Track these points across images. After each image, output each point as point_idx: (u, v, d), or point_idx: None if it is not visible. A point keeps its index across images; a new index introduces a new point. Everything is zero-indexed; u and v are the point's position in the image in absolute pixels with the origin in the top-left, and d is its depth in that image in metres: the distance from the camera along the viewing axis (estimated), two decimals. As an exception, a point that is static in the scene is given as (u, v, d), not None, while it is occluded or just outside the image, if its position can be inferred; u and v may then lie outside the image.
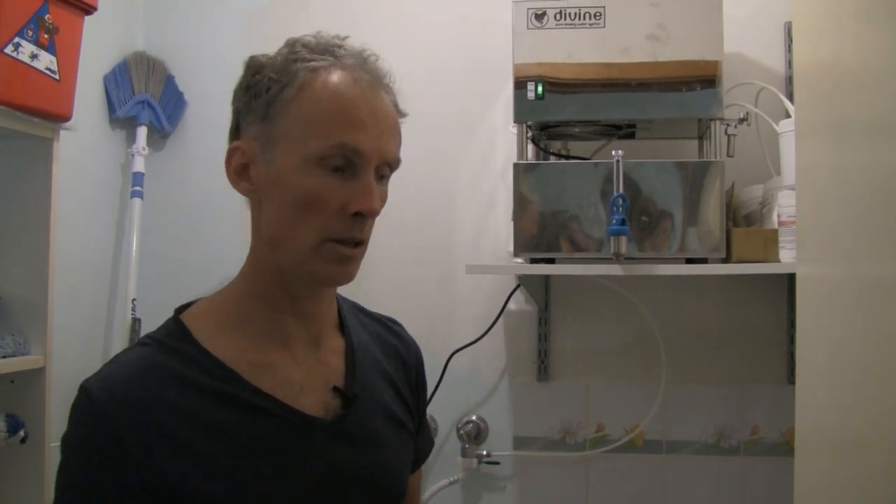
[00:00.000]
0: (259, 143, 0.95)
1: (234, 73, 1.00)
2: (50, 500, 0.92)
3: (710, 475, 2.08)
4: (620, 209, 1.62)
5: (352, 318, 1.12)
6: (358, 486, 0.99)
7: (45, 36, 1.61)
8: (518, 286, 2.11)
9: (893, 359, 0.93)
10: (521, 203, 1.77)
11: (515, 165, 1.78)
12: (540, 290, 2.12)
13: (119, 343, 2.14)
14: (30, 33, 1.57)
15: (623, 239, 1.61)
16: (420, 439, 1.19)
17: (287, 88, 0.93)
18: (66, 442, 0.89)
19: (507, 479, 2.15)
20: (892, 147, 0.95)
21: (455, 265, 2.17)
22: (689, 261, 1.75)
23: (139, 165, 2.21)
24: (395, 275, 2.18)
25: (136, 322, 2.14)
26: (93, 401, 0.87)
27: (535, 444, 2.14)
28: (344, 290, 1.09)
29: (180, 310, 1.00)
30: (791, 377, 2.02)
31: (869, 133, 1.04)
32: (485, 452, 2.12)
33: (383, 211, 0.99)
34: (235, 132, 0.99)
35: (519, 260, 1.83)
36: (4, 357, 1.61)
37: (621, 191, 1.63)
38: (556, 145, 2.01)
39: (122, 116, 2.20)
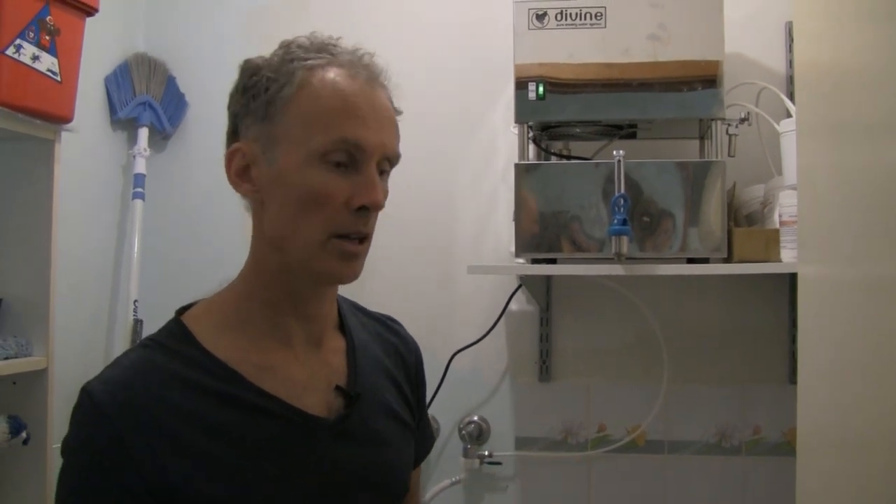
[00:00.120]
0: (259, 143, 0.95)
1: (235, 75, 1.00)
2: (52, 502, 0.92)
3: (711, 475, 2.08)
4: (622, 209, 1.62)
5: (352, 318, 1.12)
6: (361, 485, 1.00)
7: (47, 37, 1.61)
8: (519, 286, 2.11)
9: (894, 358, 0.93)
10: (522, 203, 1.77)
11: (517, 166, 1.78)
12: (541, 291, 2.12)
13: (120, 344, 2.15)
14: (31, 35, 1.57)
15: (624, 239, 1.61)
16: (421, 437, 1.19)
17: (286, 87, 0.94)
18: (68, 445, 0.88)
19: (508, 479, 2.15)
20: (893, 147, 0.95)
21: (456, 265, 2.17)
22: (691, 261, 1.75)
23: (140, 167, 2.21)
24: (395, 275, 2.18)
25: (137, 323, 2.14)
26: (95, 403, 0.87)
27: (536, 445, 2.14)
28: (345, 291, 1.09)
29: (181, 311, 1.00)
30: (792, 377, 2.02)
31: (870, 133, 1.04)
32: (486, 453, 2.12)
33: (384, 210, 0.99)
34: (233, 135, 0.99)
35: (520, 260, 1.83)
36: (6, 358, 1.61)
37: (622, 191, 1.63)
38: (558, 145, 2.01)
39: (123, 118, 2.20)
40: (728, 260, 1.76)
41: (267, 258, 0.98)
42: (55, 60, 1.64)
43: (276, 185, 0.94)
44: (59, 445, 0.90)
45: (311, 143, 0.92)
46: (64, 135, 1.73)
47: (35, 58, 1.59)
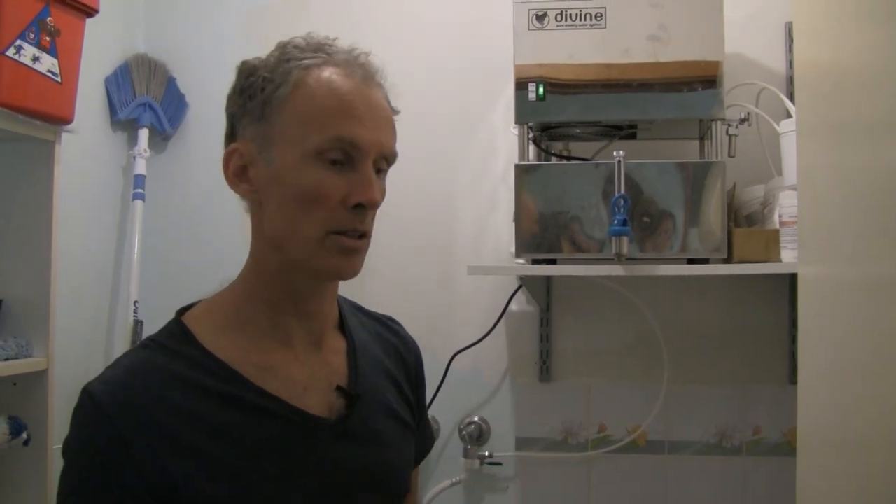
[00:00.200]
0: (256, 143, 0.96)
1: (234, 75, 1.01)
2: (52, 503, 0.92)
3: (712, 475, 2.08)
4: (622, 210, 1.62)
5: (352, 318, 1.12)
6: (362, 485, 1.00)
7: (47, 38, 1.62)
8: (520, 287, 2.11)
9: (894, 358, 0.93)
10: (522, 204, 1.77)
11: (517, 166, 1.79)
12: (541, 291, 2.12)
13: (121, 345, 2.15)
14: (31, 36, 1.57)
15: (624, 239, 1.61)
16: (420, 437, 1.19)
17: (281, 87, 0.94)
18: (69, 446, 0.89)
19: (509, 479, 2.15)
20: (893, 147, 0.95)
21: (456, 265, 2.17)
22: (691, 261, 1.75)
23: (140, 167, 2.21)
24: (395, 275, 2.18)
25: (137, 324, 2.14)
26: (95, 403, 0.87)
27: (537, 445, 2.14)
28: (345, 291, 1.09)
29: (182, 311, 1.00)
30: (793, 377, 2.02)
31: (870, 133, 1.04)
32: (487, 453, 2.12)
33: (384, 210, 1.00)
34: (231, 137, 1.00)
35: (520, 261, 1.83)
36: (7, 360, 1.61)
37: (623, 191, 1.63)
38: (558, 146, 2.01)
39: (123, 119, 2.20)
40: (728, 260, 1.77)
41: (267, 258, 0.98)
42: (55, 61, 1.64)
43: (274, 185, 0.95)
44: (60, 446, 0.90)
45: (307, 141, 0.93)
46: (64, 136, 1.74)
47: (35, 59, 1.59)
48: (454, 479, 2.13)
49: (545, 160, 1.96)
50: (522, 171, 1.78)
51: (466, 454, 2.12)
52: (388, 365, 1.13)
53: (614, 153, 1.66)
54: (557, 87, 1.77)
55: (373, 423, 1.03)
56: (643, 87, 1.75)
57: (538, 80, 1.77)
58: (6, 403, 1.67)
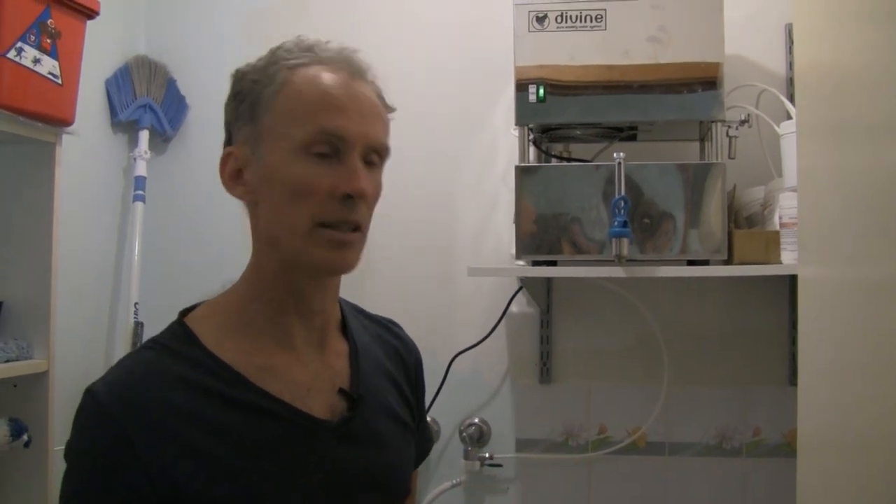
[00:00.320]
0: (249, 145, 0.97)
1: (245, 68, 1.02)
2: (54, 504, 0.92)
3: (712, 477, 2.08)
4: (622, 211, 1.62)
5: (354, 321, 1.12)
6: (363, 487, 1.00)
7: (48, 40, 1.62)
8: (520, 288, 2.11)
9: (895, 359, 0.93)
10: (522, 205, 1.77)
11: (517, 168, 1.79)
12: (542, 293, 2.13)
13: (121, 347, 2.15)
14: (32, 38, 1.58)
15: (625, 241, 1.61)
16: (420, 438, 1.20)
17: (269, 87, 0.96)
18: (72, 447, 0.89)
19: (509, 481, 2.15)
20: (893, 148, 0.95)
21: (456, 266, 2.17)
22: (691, 262, 1.75)
23: (141, 169, 2.21)
24: (395, 275, 2.18)
25: (138, 325, 2.14)
26: (99, 403, 0.88)
27: (537, 447, 2.14)
28: (345, 291, 1.09)
29: (184, 313, 1.01)
30: (793, 378, 2.02)
31: (870, 135, 1.04)
32: (487, 455, 2.12)
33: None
34: (228, 144, 1.01)
35: (521, 262, 1.83)
36: (7, 361, 1.61)
37: (623, 193, 1.63)
38: (558, 147, 2.01)
39: (123, 120, 2.21)
40: (728, 262, 1.76)
41: (266, 258, 0.99)
42: (56, 63, 1.64)
43: (265, 183, 0.96)
44: (61, 448, 0.90)
45: (293, 136, 0.94)
46: (65, 137, 1.74)
47: (36, 61, 1.59)
48: (454, 481, 2.13)
49: (545, 161, 1.96)
50: (523, 173, 1.78)
51: (467, 456, 2.12)
52: (389, 367, 1.13)
53: (614, 155, 1.66)
54: (558, 88, 1.77)
55: (374, 424, 1.04)
56: (643, 88, 1.75)
57: (538, 82, 1.77)
58: (7, 405, 1.67)
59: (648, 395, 2.09)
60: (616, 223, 1.62)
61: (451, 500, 2.15)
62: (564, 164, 1.94)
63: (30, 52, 1.57)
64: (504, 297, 2.12)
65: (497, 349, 2.17)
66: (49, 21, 1.62)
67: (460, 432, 2.15)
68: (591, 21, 1.76)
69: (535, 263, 1.80)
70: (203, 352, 0.94)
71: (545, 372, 2.14)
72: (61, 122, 1.70)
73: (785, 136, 1.84)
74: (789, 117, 1.86)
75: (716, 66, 1.74)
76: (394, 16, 2.26)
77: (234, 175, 0.99)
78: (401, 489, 1.09)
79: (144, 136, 2.22)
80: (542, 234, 1.75)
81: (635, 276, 1.74)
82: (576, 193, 1.75)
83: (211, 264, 2.14)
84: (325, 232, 0.94)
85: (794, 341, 2.02)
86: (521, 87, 1.78)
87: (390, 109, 1.03)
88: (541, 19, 1.77)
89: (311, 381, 0.99)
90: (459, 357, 2.11)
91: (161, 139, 2.30)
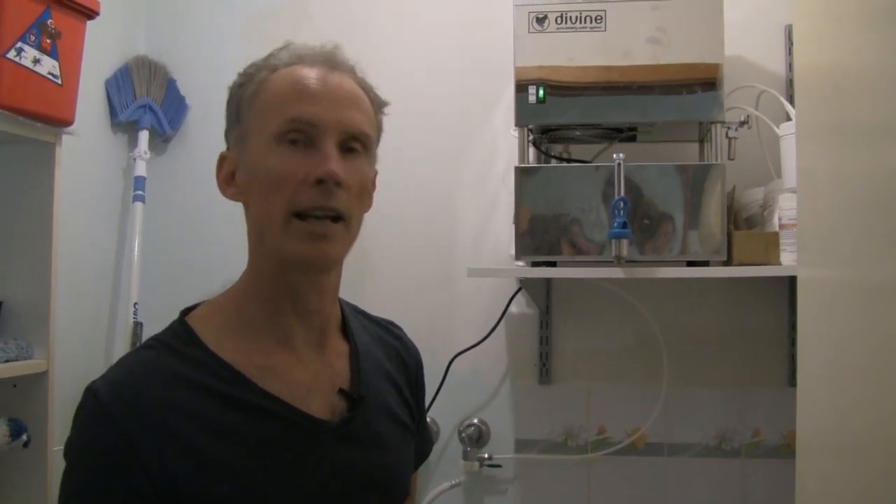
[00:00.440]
0: (237, 147, 1.00)
1: (235, 77, 1.03)
2: (53, 504, 0.92)
3: (711, 478, 2.08)
4: (622, 212, 1.62)
5: (354, 322, 1.12)
6: (363, 487, 1.00)
7: (48, 41, 1.62)
8: (519, 289, 2.11)
9: (894, 361, 0.94)
10: (522, 206, 1.77)
11: (516, 169, 1.78)
12: (541, 294, 2.13)
13: (121, 347, 2.15)
14: (32, 38, 1.58)
15: (624, 242, 1.61)
16: (420, 440, 1.20)
17: (250, 87, 0.99)
18: (72, 446, 0.88)
19: (508, 481, 2.15)
20: (893, 150, 0.96)
21: (456, 266, 2.17)
22: (691, 264, 1.75)
23: (141, 169, 2.21)
24: (395, 275, 2.18)
25: (137, 326, 2.14)
26: (100, 402, 0.88)
27: (536, 447, 2.14)
28: (345, 291, 1.10)
29: (185, 312, 1.01)
30: (792, 380, 2.02)
31: (869, 136, 1.04)
32: (486, 455, 2.12)
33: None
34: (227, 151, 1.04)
35: (520, 263, 1.83)
36: (7, 361, 1.61)
37: (622, 194, 1.63)
38: (558, 148, 2.01)
39: (123, 120, 2.21)
40: (728, 263, 1.76)
41: (260, 257, 0.99)
42: (56, 64, 1.64)
43: (250, 180, 0.97)
44: (60, 448, 0.89)
45: (268, 128, 0.95)
46: (64, 138, 1.74)
47: (36, 61, 1.59)
48: (454, 481, 2.13)
49: (545, 162, 1.96)
50: (522, 174, 1.78)
51: (466, 456, 2.12)
52: (389, 368, 1.13)
53: (614, 156, 1.66)
54: (557, 89, 1.77)
55: (374, 425, 1.04)
56: (643, 89, 1.75)
57: (538, 83, 1.77)
58: (6, 405, 1.67)
59: (648, 395, 2.09)
60: (615, 224, 1.62)
61: (451, 500, 2.15)
62: (564, 164, 1.94)
63: (30, 53, 1.57)
64: (504, 297, 2.12)
65: (496, 350, 2.17)
66: (49, 21, 1.62)
67: (459, 433, 2.15)
68: (591, 22, 1.76)
69: (535, 264, 1.79)
70: (204, 351, 0.94)
71: (545, 372, 2.14)
72: (61, 122, 1.70)
73: (784, 137, 1.84)
74: (789, 119, 1.86)
75: (715, 68, 1.74)
76: (394, 16, 2.26)
77: (228, 178, 1.01)
78: (400, 490, 1.09)
79: (144, 136, 2.22)
80: (541, 235, 1.75)
81: (635, 277, 1.74)
82: (575, 194, 1.75)
83: (210, 264, 2.14)
84: (303, 224, 0.93)
85: (793, 342, 2.02)
86: (521, 87, 1.78)
87: (380, 103, 1.05)
88: (541, 20, 1.77)
89: (311, 382, 0.99)
90: (459, 357, 2.11)
91: (161, 139, 2.30)
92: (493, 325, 2.12)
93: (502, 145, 2.18)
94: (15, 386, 1.68)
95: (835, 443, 1.15)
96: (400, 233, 2.17)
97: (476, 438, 2.14)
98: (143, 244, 2.20)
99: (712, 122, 1.77)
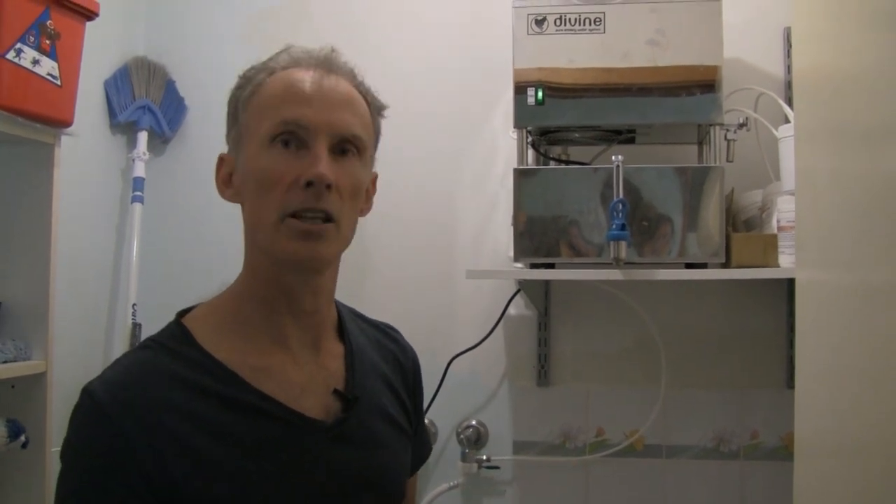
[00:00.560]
0: (234, 148, 1.01)
1: (235, 78, 1.04)
2: (51, 505, 0.92)
3: (709, 480, 2.08)
4: (620, 214, 1.62)
5: (351, 324, 1.12)
6: (358, 488, 1.00)
7: (47, 42, 1.62)
8: (518, 291, 2.11)
9: (892, 363, 0.94)
10: (520, 208, 1.77)
11: (515, 170, 1.78)
12: (540, 295, 2.13)
13: (120, 348, 2.15)
14: (31, 39, 1.58)
15: (623, 244, 1.61)
16: (418, 443, 1.20)
17: (247, 90, 1.00)
18: (69, 446, 0.88)
19: (506, 483, 2.15)
20: (892, 152, 0.96)
21: (455, 267, 2.17)
22: (689, 266, 1.75)
23: (140, 170, 2.21)
24: (395, 275, 2.18)
25: (136, 327, 2.14)
26: (96, 402, 0.88)
27: (534, 449, 2.14)
28: (344, 290, 1.10)
29: (182, 314, 1.01)
30: (790, 382, 2.02)
31: (868, 139, 1.04)
32: (485, 457, 2.12)
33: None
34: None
35: (519, 265, 1.83)
36: (5, 362, 1.61)
37: (621, 196, 1.63)
38: (556, 150, 2.01)
39: (122, 121, 2.21)
40: (726, 265, 1.76)
41: (256, 257, 1.00)
42: (55, 64, 1.64)
43: (245, 180, 0.98)
44: (59, 449, 0.89)
45: (261, 130, 0.96)
46: (64, 139, 1.74)
47: (35, 62, 1.59)
48: (452, 483, 2.13)
49: (544, 164, 1.97)
50: (521, 175, 1.78)
51: (464, 458, 2.12)
52: (386, 371, 1.13)
53: (613, 157, 1.66)
54: (556, 91, 1.77)
55: (369, 426, 1.04)
56: (642, 91, 1.75)
57: (537, 85, 1.77)
58: (5, 406, 1.66)
59: (646, 397, 2.09)
60: (614, 226, 1.62)
61: (449, 502, 2.15)
62: (563, 166, 1.94)
63: (29, 53, 1.57)
64: (502, 298, 2.12)
65: (495, 351, 2.17)
66: (48, 22, 1.62)
67: (458, 434, 2.15)
68: (590, 24, 1.77)
69: (534, 266, 1.79)
70: (200, 352, 0.94)
71: (543, 374, 2.14)
72: (60, 123, 1.70)
73: (783, 139, 1.84)
74: (787, 121, 1.86)
75: (714, 70, 1.74)
76: (394, 16, 2.26)
77: (225, 180, 1.02)
78: (396, 491, 1.09)
79: (143, 137, 2.22)
80: (540, 237, 1.75)
81: (633, 279, 1.74)
82: (574, 196, 1.75)
83: (209, 266, 2.14)
84: (293, 223, 0.94)
85: (791, 345, 2.02)
86: (520, 89, 1.78)
87: (379, 106, 1.05)
88: (540, 22, 1.78)
89: (305, 382, 0.99)
90: (458, 359, 2.11)
91: (160, 140, 2.30)
92: (491, 326, 2.12)
93: (502, 146, 2.18)
94: (13, 387, 1.68)
95: (833, 445, 1.15)
96: (400, 233, 2.17)
97: (474, 440, 2.14)
98: (142, 245, 2.20)
99: (711, 125, 1.77)
